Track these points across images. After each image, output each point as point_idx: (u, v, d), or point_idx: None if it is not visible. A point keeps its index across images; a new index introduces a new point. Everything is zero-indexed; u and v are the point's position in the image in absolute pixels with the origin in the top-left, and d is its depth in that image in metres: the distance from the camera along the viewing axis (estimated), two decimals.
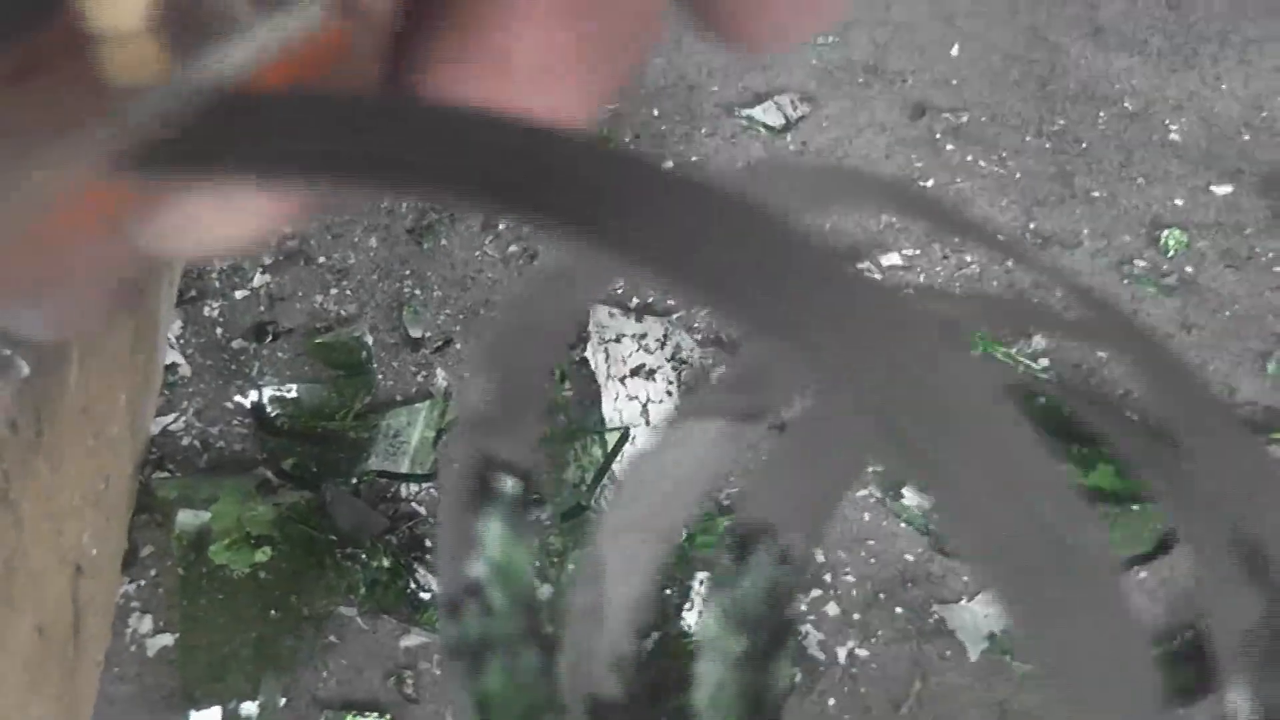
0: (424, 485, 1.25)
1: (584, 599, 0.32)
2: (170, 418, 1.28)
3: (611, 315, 1.30)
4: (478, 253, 1.37)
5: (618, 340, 1.28)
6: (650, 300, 1.34)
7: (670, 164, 1.41)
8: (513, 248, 1.37)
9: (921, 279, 1.36)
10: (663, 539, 0.41)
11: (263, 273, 1.35)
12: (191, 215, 0.20)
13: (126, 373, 1.16)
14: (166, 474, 1.25)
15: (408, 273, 1.36)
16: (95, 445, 1.09)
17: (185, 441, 1.28)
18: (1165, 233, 1.39)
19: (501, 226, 1.38)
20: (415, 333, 1.32)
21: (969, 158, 1.43)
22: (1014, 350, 1.30)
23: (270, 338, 1.32)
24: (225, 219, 0.21)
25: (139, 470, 1.24)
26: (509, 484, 0.28)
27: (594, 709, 0.32)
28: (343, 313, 1.34)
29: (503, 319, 0.26)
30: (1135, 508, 1.22)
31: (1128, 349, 0.26)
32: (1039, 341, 1.33)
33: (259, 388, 1.29)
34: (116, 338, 1.12)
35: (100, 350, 1.07)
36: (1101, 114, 1.46)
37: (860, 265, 1.36)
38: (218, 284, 1.35)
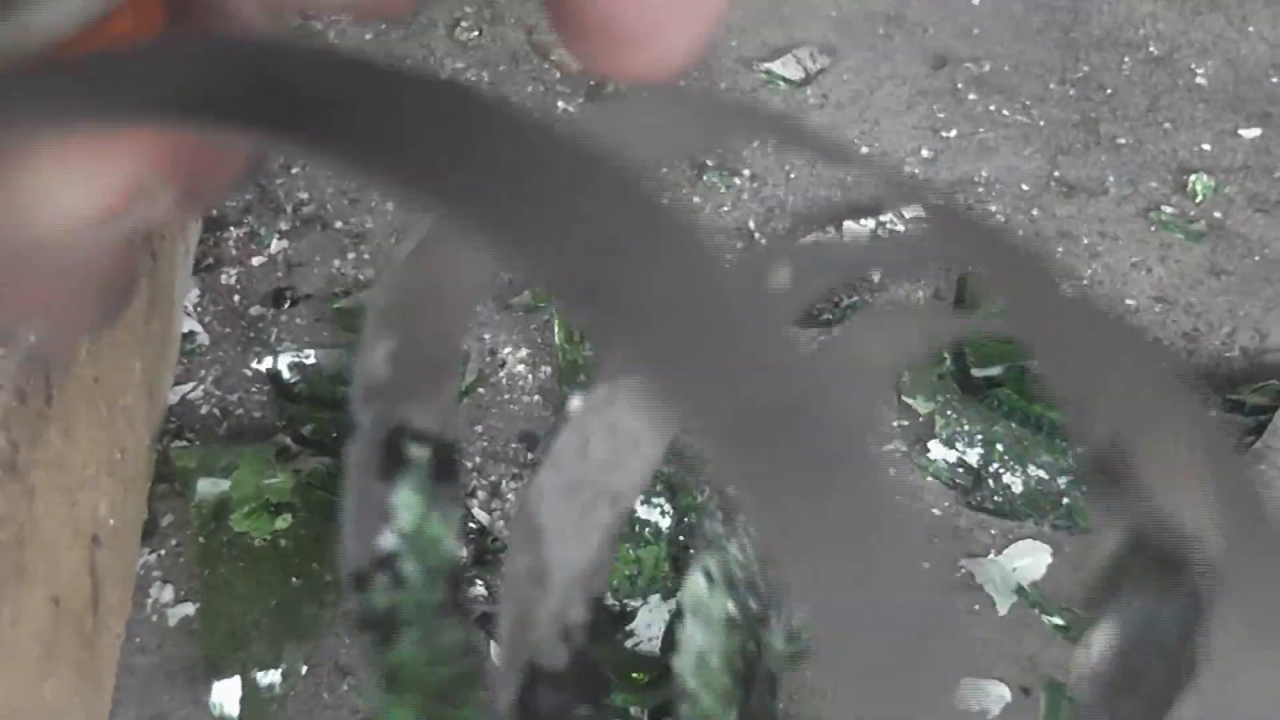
0: None
1: (521, 563, 0.30)
2: (188, 386, 1.28)
3: None
4: None
5: None
6: None
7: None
8: None
9: None
10: (613, 502, 0.40)
11: (280, 238, 1.35)
12: (31, 184, 0.20)
13: (141, 341, 1.15)
14: (185, 443, 1.25)
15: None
16: (109, 415, 1.08)
17: (204, 410, 1.27)
18: (1193, 178, 1.37)
19: None
20: None
21: (992, 107, 1.42)
22: None
23: (288, 304, 1.32)
24: (69, 184, 0.20)
25: (157, 439, 1.23)
26: (419, 452, 0.27)
27: (532, 679, 0.30)
28: (360, 277, 1.33)
29: (398, 281, 0.25)
30: None
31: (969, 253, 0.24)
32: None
33: (277, 354, 1.28)
34: (130, 306, 1.12)
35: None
36: (1126, 60, 1.44)
37: (883, 218, 1.34)
38: (234, 251, 1.34)
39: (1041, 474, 1.22)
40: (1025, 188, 1.37)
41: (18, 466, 0.88)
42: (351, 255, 1.34)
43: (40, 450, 0.92)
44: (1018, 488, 1.22)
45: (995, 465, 1.22)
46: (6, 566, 0.87)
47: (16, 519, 0.88)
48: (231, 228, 1.35)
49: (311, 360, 1.27)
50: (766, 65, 1.42)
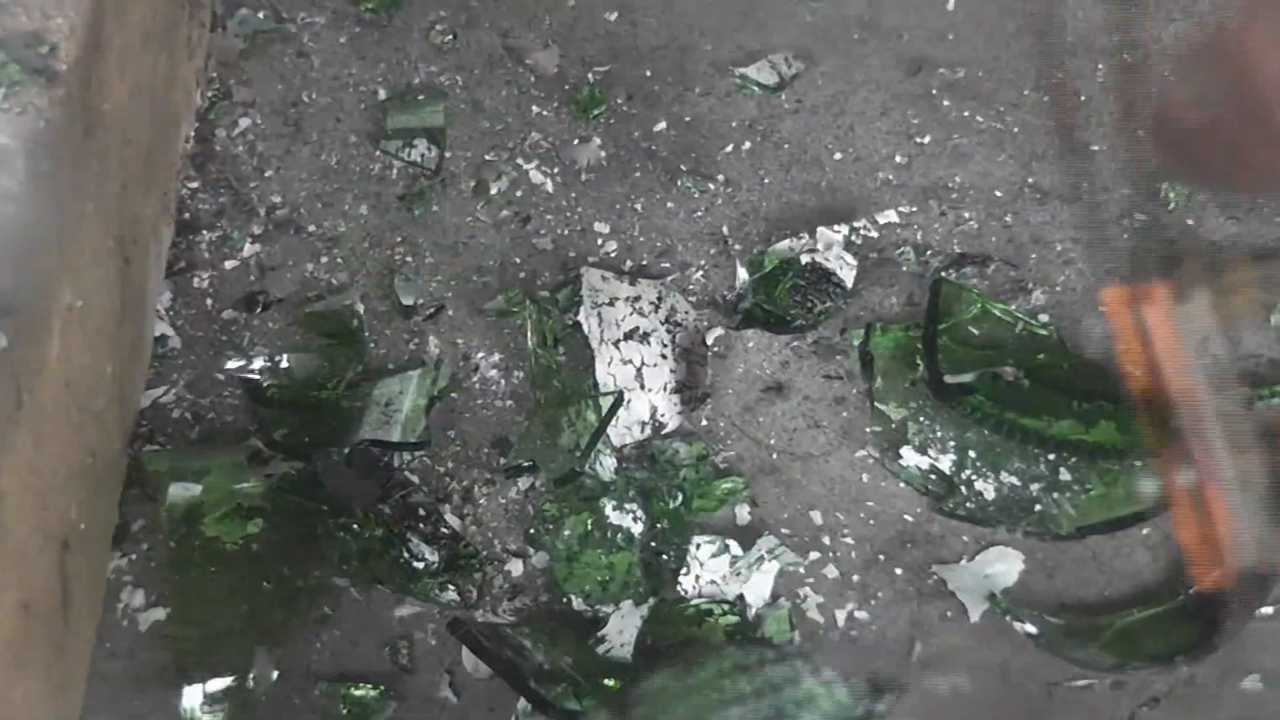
0: (416, 454, 1.24)
1: None
2: (160, 390, 1.27)
3: (605, 279, 1.28)
4: (469, 218, 1.36)
5: (611, 304, 1.26)
6: (645, 263, 1.33)
7: (664, 124, 1.40)
8: (504, 213, 1.36)
9: (919, 236, 1.35)
10: None
11: (252, 242, 1.34)
12: None
13: (113, 345, 1.15)
14: (157, 447, 1.24)
15: (399, 240, 1.35)
16: (81, 419, 1.08)
17: (176, 414, 1.26)
18: (1165, 185, 1.37)
19: (494, 191, 1.37)
20: (407, 300, 1.31)
21: (966, 113, 1.42)
22: (1013, 306, 1.29)
23: (260, 308, 1.31)
24: None
25: (129, 443, 1.23)
26: None
27: None
28: (334, 281, 1.33)
29: None
30: (1138, 464, 1.21)
31: None
32: (1038, 297, 1.31)
33: (249, 358, 1.28)
34: (101, 310, 1.11)
35: (84, 323, 1.06)
36: (1100, 66, 1.44)
37: (857, 224, 1.34)
38: (207, 255, 1.33)
39: (1014, 481, 1.21)
40: (999, 194, 1.37)
41: None
42: (324, 259, 1.33)
43: (10, 454, 0.92)
44: (990, 494, 1.22)
45: (968, 472, 1.22)
46: None
47: None
48: (204, 231, 1.34)
49: (284, 364, 1.27)
50: (741, 70, 1.42)
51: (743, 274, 1.31)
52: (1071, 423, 1.22)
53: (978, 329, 1.26)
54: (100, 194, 1.09)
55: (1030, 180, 1.38)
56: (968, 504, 1.22)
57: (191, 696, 1.13)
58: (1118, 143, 1.38)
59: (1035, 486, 1.21)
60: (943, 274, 1.30)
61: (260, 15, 1.46)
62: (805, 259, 1.30)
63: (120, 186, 1.14)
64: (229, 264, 1.33)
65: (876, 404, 1.26)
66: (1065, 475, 1.21)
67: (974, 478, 1.22)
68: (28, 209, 0.94)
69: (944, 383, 1.21)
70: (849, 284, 1.31)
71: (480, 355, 1.29)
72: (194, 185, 1.36)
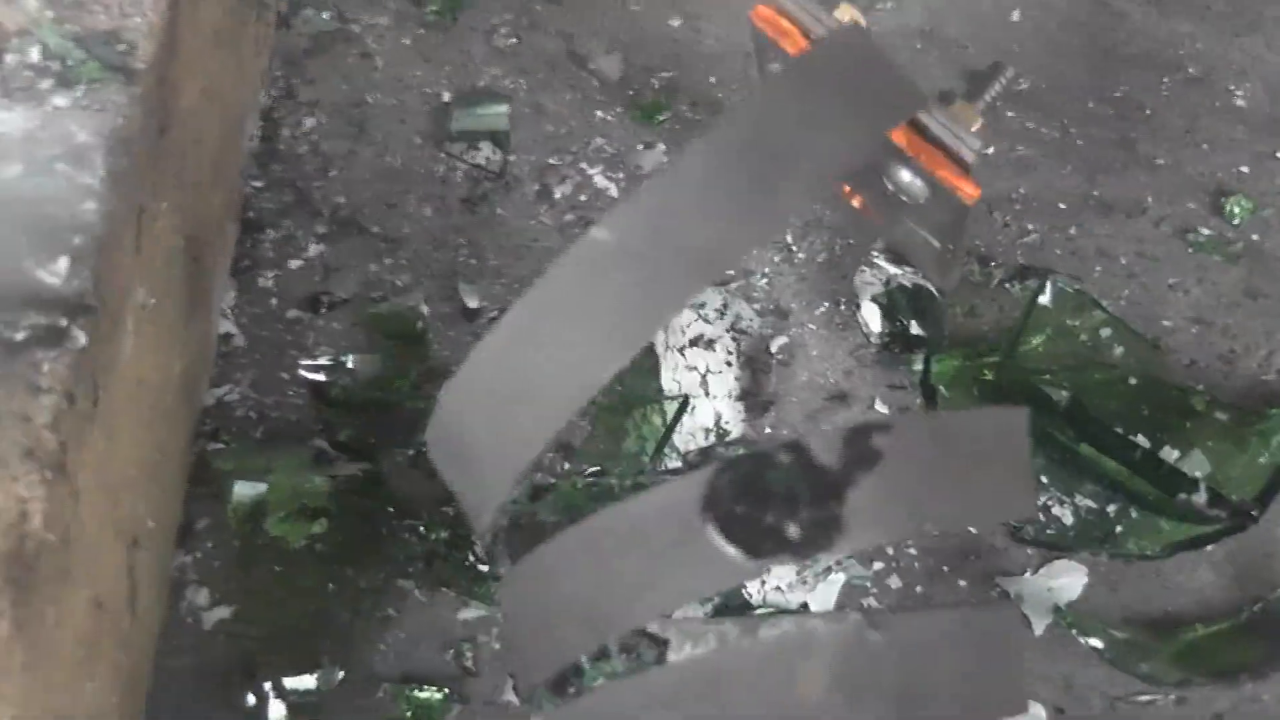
0: None
1: None
2: (225, 388, 1.28)
3: None
4: (533, 221, 1.36)
5: None
6: None
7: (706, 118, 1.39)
8: (568, 216, 1.36)
9: (982, 248, 1.35)
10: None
11: (316, 242, 1.34)
12: None
13: (182, 343, 1.15)
14: (222, 445, 1.25)
15: (462, 242, 1.35)
16: (151, 416, 1.08)
17: (240, 413, 1.27)
18: (1230, 200, 1.37)
19: (558, 195, 1.37)
20: (471, 302, 1.31)
21: (1030, 124, 1.42)
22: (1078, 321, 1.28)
23: (325, 308, 1.31)
24: None
25: (194, 442, 1.23)
26: None
27: None
28: (398, 282, 1.33)
29: None
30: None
31: None
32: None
33: (314, 358, 1.28)
34: (172, 308, 1.12)
35: (156, 321, 1.06)
36: (1165, 80, 1.44)
37: None
38: (272, 254, 1.34)
39: (1090, 504, 1.21)
40: (1063, 206, 1.37)
41: (66, 468, 0.88)
42: (388, 260, 1.34)
43: (86, 452, 0.92)
44: (1068, 519, 1.21)
45: (1043, 497, 1.21)
46: (52, 568, 0.87)
47: (63, 520, 0.88)
48: (269, 230, 1.35)
49: (349, 365, 1.27)
50: None
51: (873, 315, 1.30)
52: (1116, 465, 1.22)
53: (1050, 346, 1.26)
54: (173, 192, 1.09)
55: (1094, 193, 1.38)
56: (1048, 530, 1.21)
57: (256, 694, 1.13)
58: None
59: (1112, 508, 1.21)
60: (1051, 278, 1.28)
61: (325, 16, 1.46)
62: (908, 283, 1.30)
63: (191, 185, 1.14)
64: (293, 263, 1.34)
65: None
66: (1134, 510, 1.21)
67: (1049, 503, 1.21)
68: (106, 207, 0.94)
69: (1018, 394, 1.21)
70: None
71: None
72: (259, 184, 1.37)
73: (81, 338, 0.89)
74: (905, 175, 1.06)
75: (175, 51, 1.07)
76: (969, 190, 1.03)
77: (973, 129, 1.08)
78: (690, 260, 0.79)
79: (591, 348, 0.78)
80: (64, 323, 0.89)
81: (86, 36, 1.00)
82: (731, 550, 0.73)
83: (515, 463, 0.81)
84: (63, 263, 0.91)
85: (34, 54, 0.99)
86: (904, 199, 1.09)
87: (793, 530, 0.74)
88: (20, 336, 0.88)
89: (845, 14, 1.09)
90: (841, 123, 0.85)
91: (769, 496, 0.74)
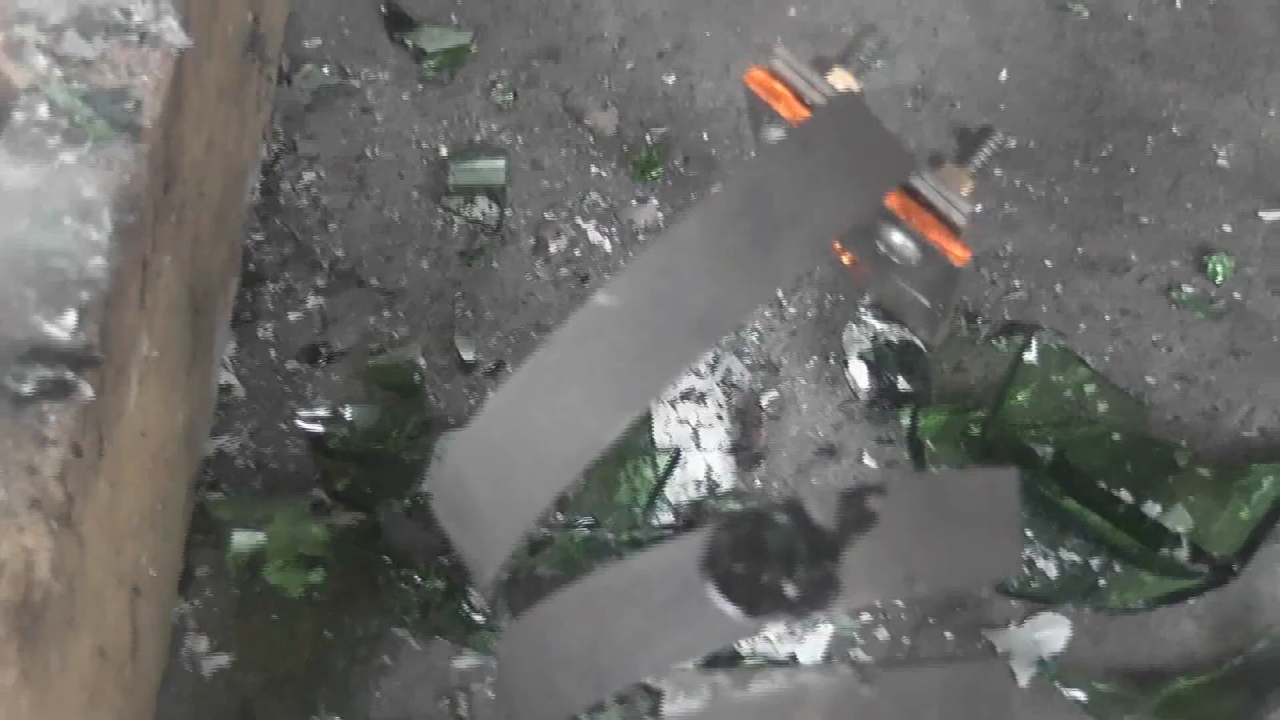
0: None
1: None
2: (224, 438, 1.29)
3: None
4: (529, 276, 1.38)
5: None
6: None
7: (700, 174, 1.42)
8: (563, 270, 1.38)
9: (969, 304, 1.37)
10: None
11: (315, 294, 1.36)
12: None
13: (183, 394, 1.17)
14: (221, 495, 1.26)
15: (459, 295, 1.37)
16: (153, 466, 1.10)
17: (240, 462, 1.28)
18: (1212, 258, 1.39)
19: (553, 249, 1.39)
20: (467, 355, 1.33)
21: (1017, 182, 1.44)
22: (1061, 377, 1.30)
23: (323, 359, 1.33)
24: None
25: (194, 491, 1.25)
26: None
27: None
28: (395, 335, 1.35)
29: None
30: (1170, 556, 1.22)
31: None
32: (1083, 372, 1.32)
33: (313, 409, 1.30)
34: (175, 359, 1.13)
35: (159, 372, 1.08)
36: (1150, 139, 1.46)
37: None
38: (271, 306, 1.36)
39: (1074, 558, 1.23)
40: (1049, 263, 1.39)
41: (72, 518, 0.89)
42: (386, 313, 1.36)
43: (91, 502, 0.94)
44: (1052, 572, 1.23)
45: (1028, 551, 1.23)
46: (58, 616, 0.88)
47: (69, 569, 0.90)
48: (269, 282, 1.36)
49: (346, 416, 1.29)
50: None
51: (860, 372, 1.32)
52: (1100, 519, 1.23)
53: (1035, 402, 1.28)
54: (177, 246, 1.11)
55: (1079, 250, 1.40)
56: (1032, 583, 1.23)
57: None
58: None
59: (1096, 561, 1.23)
60: (1037, 335, 1.30)
61: (325, 71, 1.48)
62: (895, 339, 1.32)
63: (194, 238, 1.16)
64: (292, 315, 1.35)
65: None
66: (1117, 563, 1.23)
67: (1034, 556, 1.23)
68: (113, 261, 0.95)
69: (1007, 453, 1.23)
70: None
71: None
72: (259, 237, 1.39)
73: (88, 390, 0.91)
74: (896, 237, 1.08)
75: (181, 108, 1.09)
76: (959, 253, 1.05)
77: (963, 191, 1.10)
78: (692, 323, 0.81)
79: (596, 409, 0.80)
80: (71, 376, 0.91)
81: (94, 94, 1.02)
82: (730, 608, 0.75)
83: (519, 521, 0.83)
84: (70, 316, 0.92)
85: (42, 111, 1.01)
86: (894, 259, 1.11)
87: (790, 589, 0.75)
88: (28, 389, 0.90)
89: (840, 80, 1.11)
90: (838, 188, 0.87)
91: (767, 555, 0.76)
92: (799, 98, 1.09)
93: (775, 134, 1.12)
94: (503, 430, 0.83)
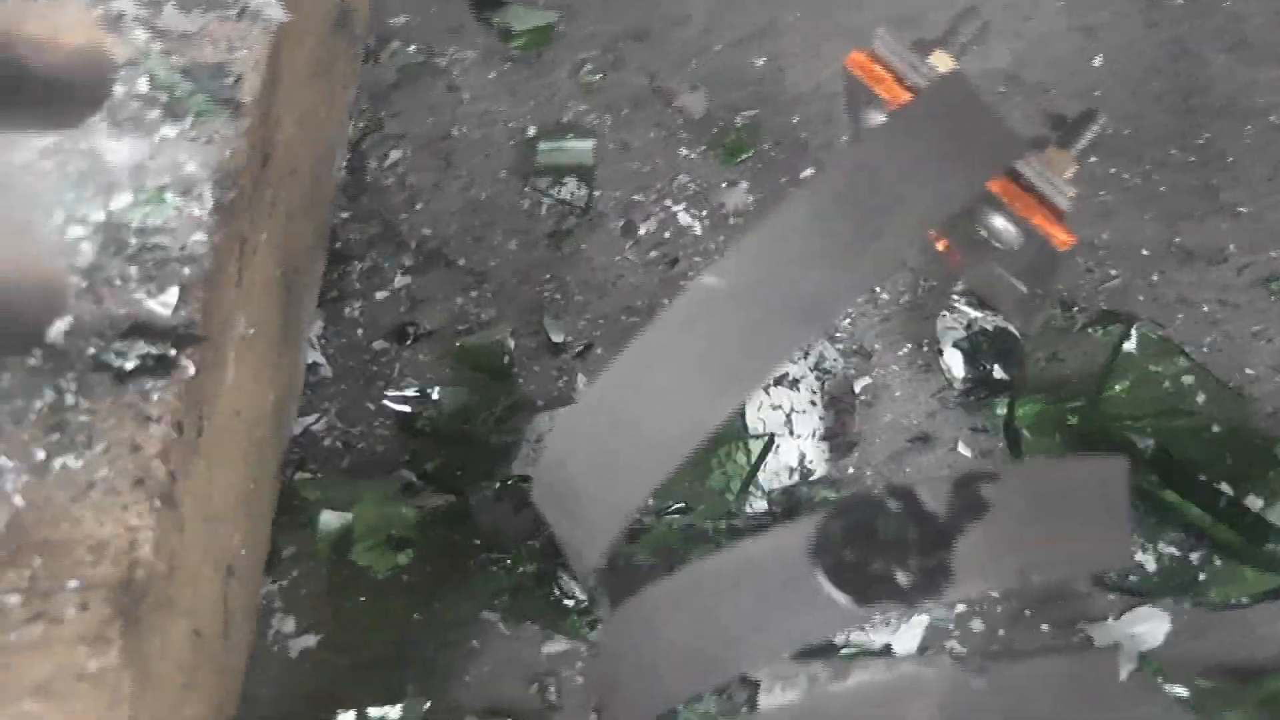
0: None
1: None
2: (312, 418, 1.29)
3: None
4: (618, 258, 1.37)
5: None
6: None
7: (810, 170, 1.40)
8: (652, 254, 1.37)
9: (1064, 292, 1.35)
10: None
11: (403, 274, 1.36)
12: None
13: (275, 373, 1.17)
14: (309, 475, 1.26)
15: (547, 277, 1.36)
16: (246, 446, 1.09)
17: (327, 442, 1.28)
18: None
19: (642, 231, 1.38)
20: (556, 337, 1.32)
21: (1112, 170, 1.42)
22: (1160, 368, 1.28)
23: (411, 339, 1.33)
24: None
25: (281, 471, 1.24)
26: None
27: None
28: (483, 315, 1.34)
29: None
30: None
31: None
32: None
33: (400, 389, 1.29)
34: (267, 339, 1.13)
35: (253, 351, 1.08)
36: (1247, 127, 1.44)
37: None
38: (358, 285, 1.35)
39: (1174, 551, 1.21)
40: (1145, 252, 1.37)
41: (174, 497, 0.89)
42: (474, 293, 1.35)
43: (190, 481, 0.93)
44: (1151, 565, 1.21)
45: None
46: (158, 596, 0.88)
47: (169, 549, 0.89)
48: (356, 261, 1.36)
49: (435, 396, 1.28)
50: None
51: (955, 360, 1.31)
52: (1200, 512, 1.22)
53: (1134, 393, 1.26)
54: (271, 224, 1.10)
55: (1177, 239, 1.38)
56: (1131, 576, 1.21)
57: None
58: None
59: (1196, 555, 1.21)
60: (1136, 325, 1.28)
61: (411, 49, 1.48)
62: (989, 325, 1.30)
63: (286, 217, 1.16)
64: (380, 294, 1.35)
65: None
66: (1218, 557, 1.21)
67: (1133, 549, 1.21)
68: (213, 238, 0.95)
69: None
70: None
71: None
72: (346, 215, 1.38)
73: (191, 368, 0.90)
74: (999, 221, 1.07)
75: (277, 85, 1.08)
76: (1063, 238, 1.03)
77: (1066, 175, 1.09)
78: (800, 307, 0.80)
79: (701, 393, 0.79)
80: (173, 353, 0.90)
81: (194, 69, 1.02)
82: (841, 596, 0.74)
83: (623, 507, 0.82)
84: (172, 293, 0.92)
85: (142, 85, 1.01)
86: (995, 244, 1.10)
87: (902, 577, 0.74)
88: (131, 366, 0.89)
89: (941, 62, 1.10)
90: (944, 171, 0.86)
91: (878, 543, 0.75)
92: (900, 80, 1.07)
93: (876, 117, 1.11)
94: (606, 414, 0.82)
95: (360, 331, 1.33)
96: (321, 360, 1.31)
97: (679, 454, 0.80)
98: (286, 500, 1.24)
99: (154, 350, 0.90)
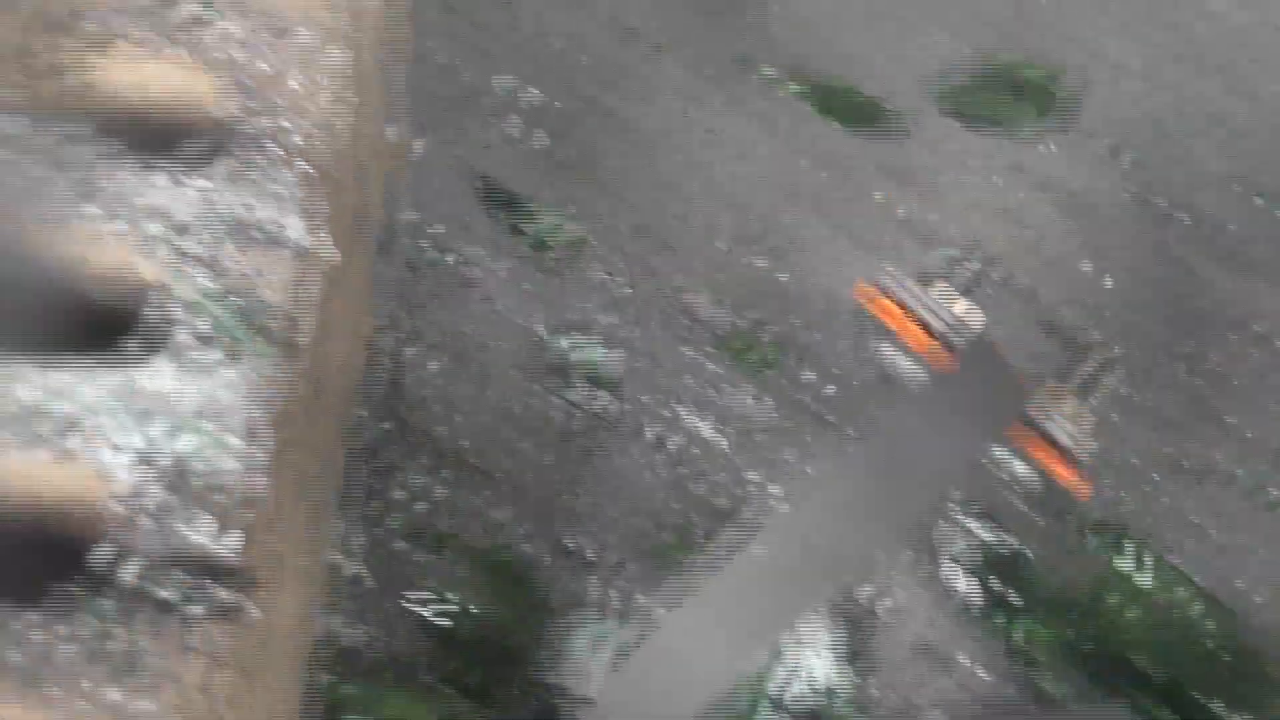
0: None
1: None
2: (337, 620, 1.31)
3: None
4: (645, 471, 1.40)
5: None
6: None
7: (814, 375, 1.44)
8: (681, 470, 1.40)
9: (1060, 504, 1.38)
10: None
11: (423, 475, 1.39)
12: None
13: (308, 587, 1.20)
14: (334, 677, 1.28)
15: (571, 483, 1.39)
16: (280, 660, 1.12)
17: (351, 645, 1.31)
18: None
19: (671, 448, 1.42)
20: (571, 544, 1.35)
21: (1124, 393, 1.45)
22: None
23: (431, 542, 1.35)
24: None
25: (308, 672, 1.27)
26: None
27: None
28: (503, 519, 1.37)
29: None
30: None
31: None
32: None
33: (423, 592, 1.32)
34: (303, 555, 1.16)
35: (292, 571, 1.11)
36: (1252, 352, 1.48)
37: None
38: (378, 485, 1.38)
39: None
40: (1136, 462, 1.41)
41: None
42: (494, 496, 1.38)
43: (236, 710, 0.96)
44: None
45: None
46: None
47: None
48: (375, 460, 1.39)
49: (460, 603, 1.31)
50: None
51: (954, 574, 1.34)
52: None
53: (1144, 619, 1.29)
54: (319, 447, 1.14)
55: (1167, 451, 1.42)
56: None
57: None
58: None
59: None
60: (1143, 549, 1.31)
61: (449, 259, 1.52)
62: (989, 538, 1.34)
63: (322, 425, 1.19)
64: (398, 494, 1.38)
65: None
66: None
67: None
68: (274, 479, 0.98)
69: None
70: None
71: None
72: (362, 412, 1.41)
73: (255, 611, 0.93)
74: (1019, 468, 1.11)
75: (330, 328, 1.12)
76: (1084, 491, 1.07)
77: (1064, 408, 1.13)
78: (829, 568, 0.85)
79: (738, 646, 0.85)
80: (238, 597, 0.93)
81: (252, 311, 1.05)
82: None
83: None
84: (235, 536, 0.95)
85: (203, 327, 1.04)
86: (1006, 479, 1.13)
87: None
88: (198, 610, 0.92)
89: (959, 306, 1.14)
90: (969, 433, 0.91)
91: None
92: (903, 309, 1.12)
93: (884, 347, 1.15)
94: (662, 660, 0.88)
95: (380, 532, 1.36)
96: (361, 570, 1.34)
97: (716, 697, 0.86)
98: (312, 701, 1.26)
99: (224, 596, 0.93)
